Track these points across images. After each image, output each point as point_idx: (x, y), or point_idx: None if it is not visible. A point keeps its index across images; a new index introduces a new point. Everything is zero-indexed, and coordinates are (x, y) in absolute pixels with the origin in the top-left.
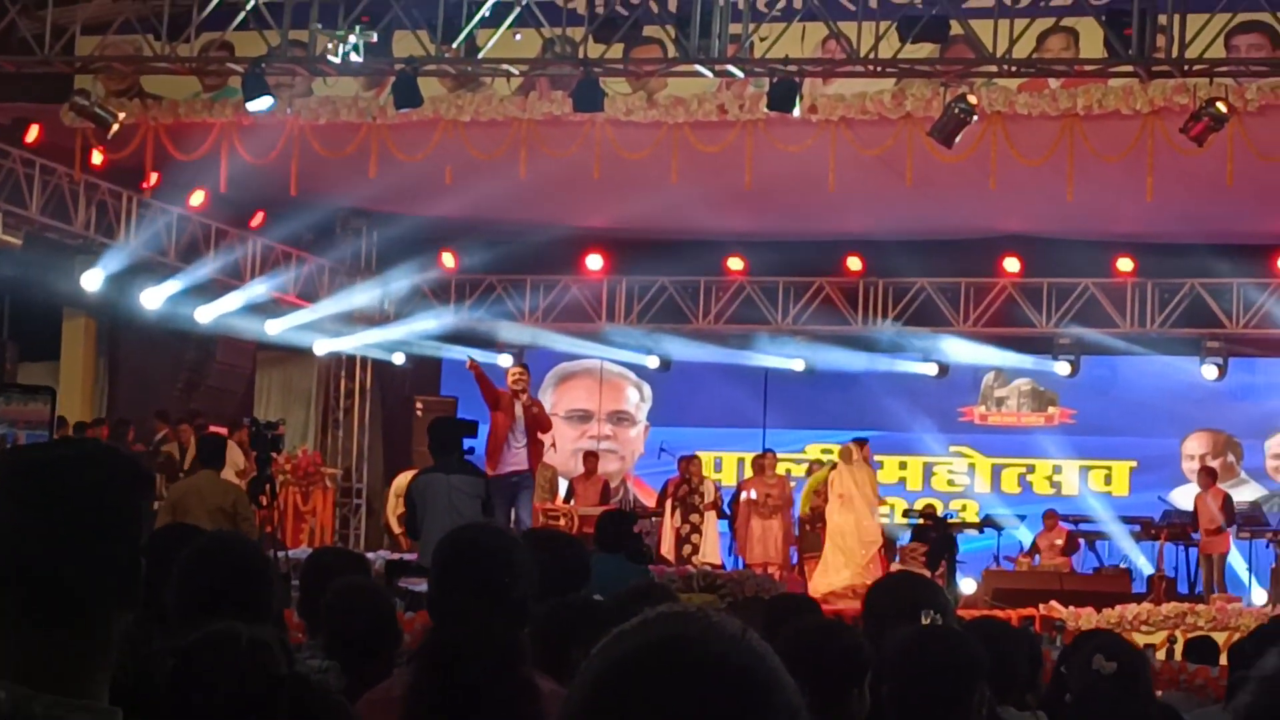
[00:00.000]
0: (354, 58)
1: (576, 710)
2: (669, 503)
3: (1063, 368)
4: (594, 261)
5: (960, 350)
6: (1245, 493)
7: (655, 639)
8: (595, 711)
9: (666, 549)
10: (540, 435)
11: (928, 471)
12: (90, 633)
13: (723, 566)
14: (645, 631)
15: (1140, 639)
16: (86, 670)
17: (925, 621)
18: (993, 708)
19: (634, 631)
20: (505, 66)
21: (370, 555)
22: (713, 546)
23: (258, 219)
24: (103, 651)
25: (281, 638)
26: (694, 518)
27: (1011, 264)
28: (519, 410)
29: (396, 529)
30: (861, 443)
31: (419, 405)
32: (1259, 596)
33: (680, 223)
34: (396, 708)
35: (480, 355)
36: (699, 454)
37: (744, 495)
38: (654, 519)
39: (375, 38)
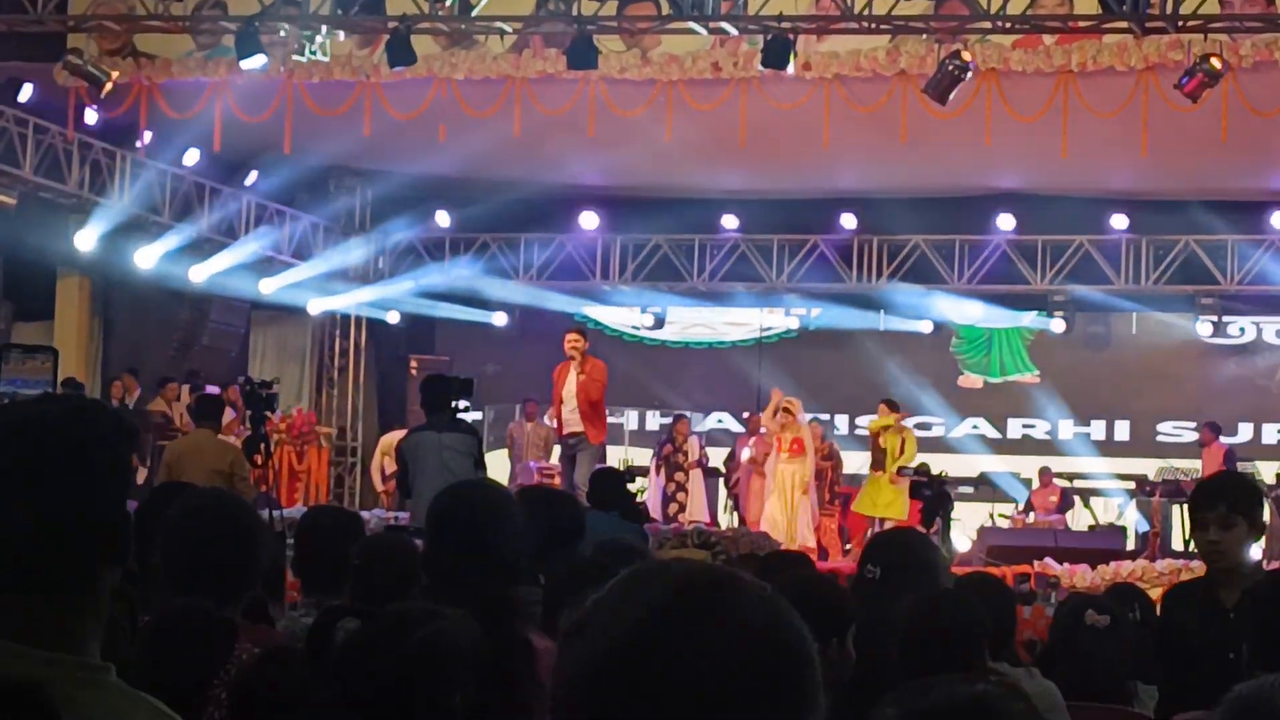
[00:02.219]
0: (319, 56)
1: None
2: (654, 462)
3: (1058, 325)
4: (588, 219)
5: (955, 308)
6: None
7: (689, 591)
8: (618, 668)
9: (653, 508)
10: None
11: (922, 430)
12: (80, 589)
13: (709, 523)
14: (657, 588)
15: None
16: (78, 627)
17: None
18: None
19: (661, 584)
20: (499, 24)
21: (365, 514)
22: (698, 505)
23: (251, 177)
24: (93, 608)
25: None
26: (679, 476)
27: (1006, 221)
28: (572, 374)
29: (379, 486)
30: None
31: (413, 364)
32: (1254, 552)
33: (675, 180)
34: None
35: (475, 314)
36: (683, 414)
37: (742, 453)
38: (646, 478)
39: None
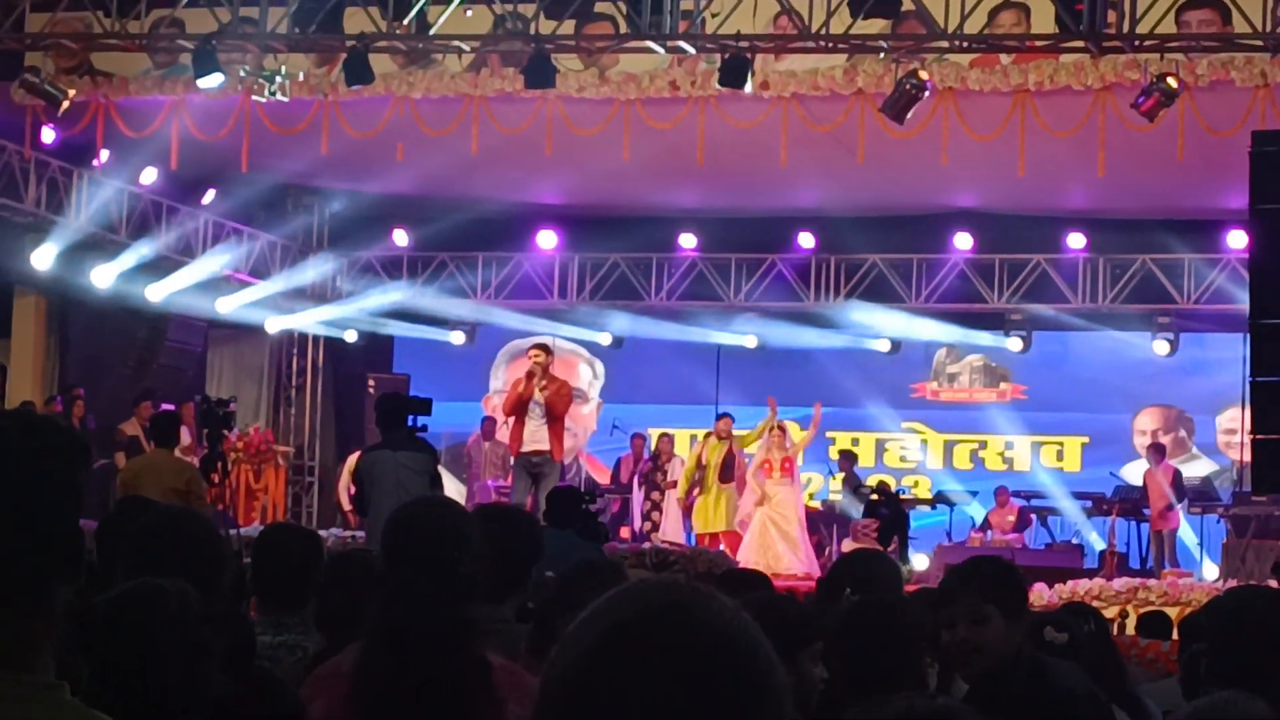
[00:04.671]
0: (279, 96)
1: (569, 674)
2: (635, 479)
3: (1015, 344)
4: (546, 238)
5: (912, 326)
6: (1197, 468)
7: (658, 604)
8: (590, 676)
9: (637, 526)
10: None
11: (880, 448)
12: (33, 606)
13: (686, 544)
14: (644, 597)
15: None
16: (30, 644)
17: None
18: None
19: (632, 596)
20: (457, 43)
21: (323, 532)
22: (674, 524)
23: (209, 196)
24: (46, 625)
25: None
26: (654, 495)
27: (963, 240)
28: (535, 391)
29: (347, 506)
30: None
31: (371, 383)
32: (1210, 571)
33: (632, 199)
34: (345, 683)
35: (433, 333)
36: (668, 432)
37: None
38: (607, 497)
39: (301, 77)
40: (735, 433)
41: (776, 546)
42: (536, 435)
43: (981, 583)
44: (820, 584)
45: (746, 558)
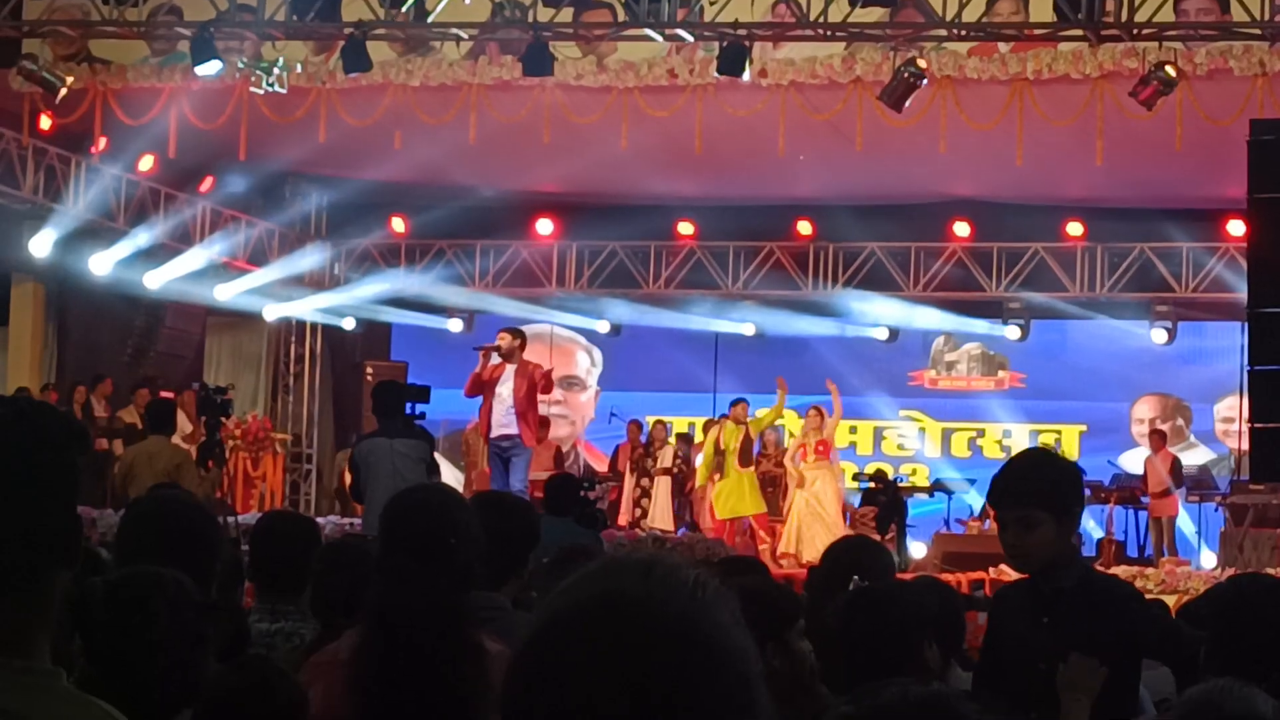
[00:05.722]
0: (278, 88)
1: (519, 663)
2: (628, 465)
3: (1013, 332)
4: (544, 226)
5: (910, 315)
6: (1194, 456)
7: (596, 593)
8: (534, 665)
9: (625, 513)
10: (540, 396)
11: (878, 436)
12: (30, 594)
13: (675, 531)
14: (588, 584)
15: None
16: (28, 631)
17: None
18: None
19: (577, 584)
20: (455, 30)
21: (320, 520)
22: (663, 511)
23: (207, 183)
24: (43, 612)
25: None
26: (644, 482)
27: (961, 228)
28: (510, 374)
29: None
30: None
31: (369, 370)
32: (1208, 559)
33: (630, 187)
34: (342, 670)
35: (431, 320)
36: (663, 419)
37: (696, 459)
38: (605, 484)
39: (299, 68)
40: (758, 413)
41: (813, 531)
42: (504, 421)
43: (1032, 489)
44: (812, 573)
45: (788, 544)
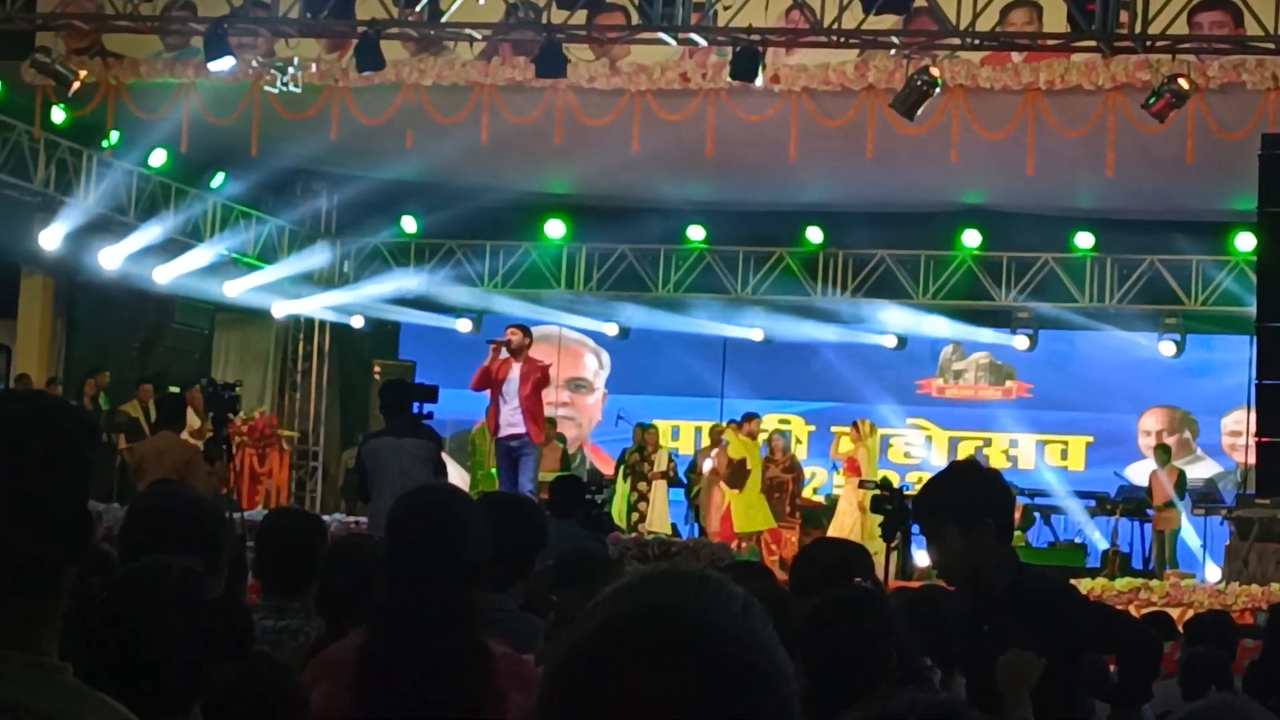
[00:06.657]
0: (292, 88)
1: (564, 668)
2: (622, 469)
3: (1021, 342)
4: (554, 228)
5: (919, 323)
6: (1201, 469)
7: (647, 603)
8: (582, 672)
9: (618, 517)
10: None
11: (885, 443)
12: (39, 588)
13: (676, 535)
14: (637, 593)
15: None
16: (37, 626)
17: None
18: (922, 671)
19: (625, 592)
20: (468, 31)
21: (326, 518)
22: (660, 515)
23: (218, 179)
24: (51, 606)
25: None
26: (641, 485)
27: (971, 237)
28: (515, 371)
29: None
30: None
31: (377, 369)
32: (1212, 573)
33: (641, 190)
34: (346, 669)
35: (439, 320)
36: (656, 423)
37: (704, 464)
38: (610, 487)
39: (313, 66)
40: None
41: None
42: (511, 419)
43: (932, 504)
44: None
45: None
